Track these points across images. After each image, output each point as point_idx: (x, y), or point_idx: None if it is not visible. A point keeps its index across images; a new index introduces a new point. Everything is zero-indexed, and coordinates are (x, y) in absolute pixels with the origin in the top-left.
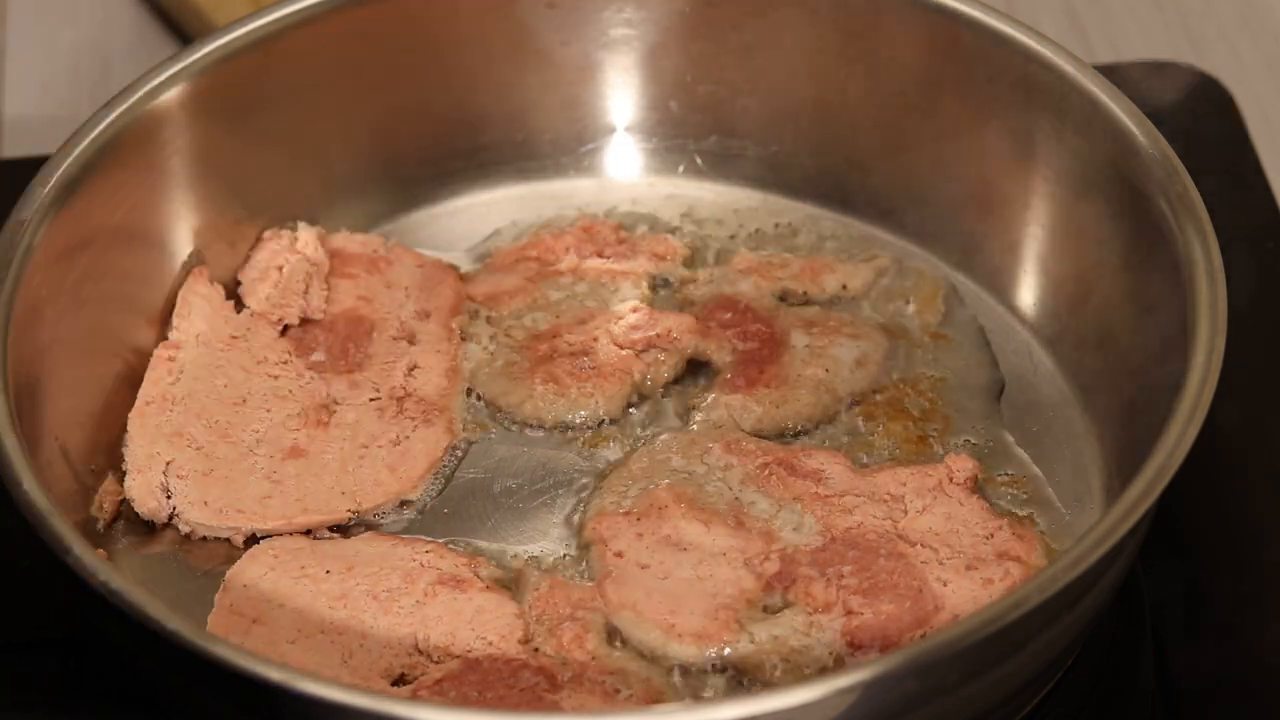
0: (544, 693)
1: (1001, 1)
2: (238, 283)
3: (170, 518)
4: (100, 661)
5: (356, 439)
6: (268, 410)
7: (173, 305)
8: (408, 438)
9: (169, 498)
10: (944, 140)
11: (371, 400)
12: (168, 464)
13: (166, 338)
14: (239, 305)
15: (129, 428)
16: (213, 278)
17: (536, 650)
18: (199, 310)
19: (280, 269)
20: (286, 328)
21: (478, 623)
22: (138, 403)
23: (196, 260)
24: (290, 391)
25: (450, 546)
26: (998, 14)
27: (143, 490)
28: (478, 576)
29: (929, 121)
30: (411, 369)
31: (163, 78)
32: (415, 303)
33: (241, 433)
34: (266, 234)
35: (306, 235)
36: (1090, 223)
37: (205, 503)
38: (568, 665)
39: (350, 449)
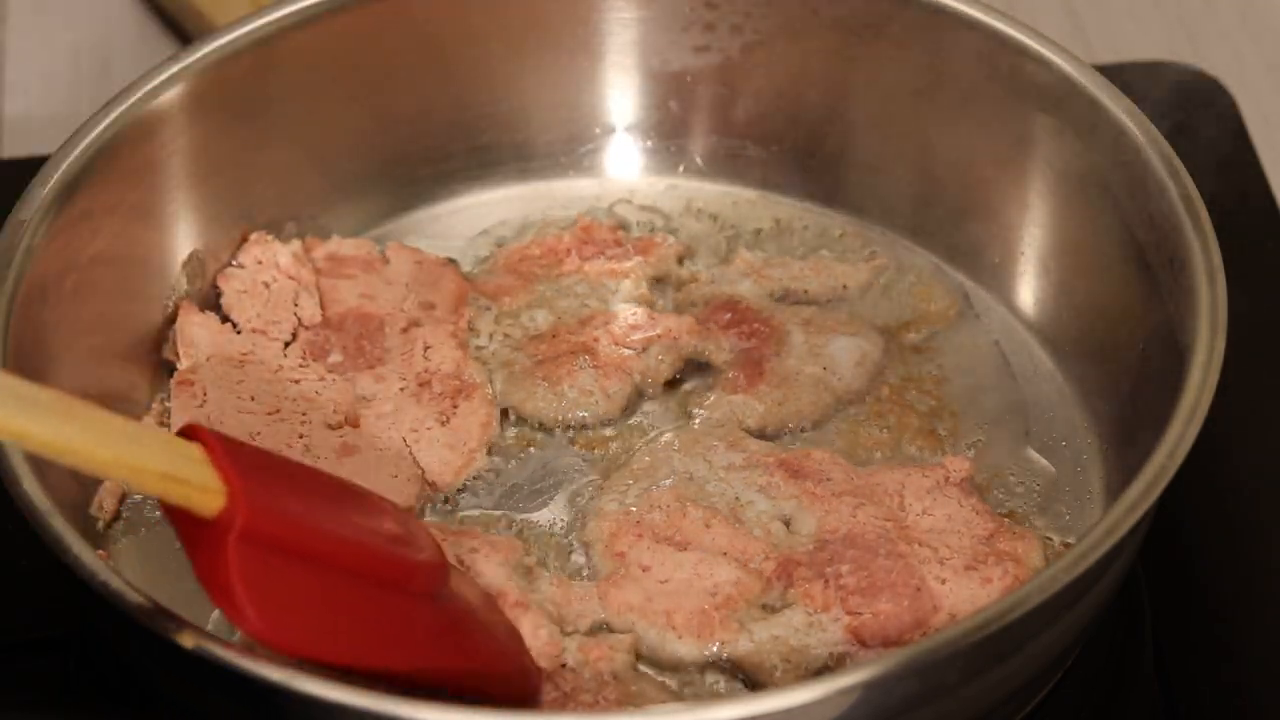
0: (560, 709)
1: (1002, 1)
2: (216, 289)
3: None
4: (100, 661)
5: (403, 425)
6: (303, 415)
7: (173, 308)
8: (455, 411)
9: None
10: (943, 140)
11: (401, 389)
12: None
13: (169, 358)
14: (224, 316)
15: None
16: (202, 304)
17: (564, 665)
18: (200, 338)
19: (267, 286)
20: (294, 335)
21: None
22: (173, 431)
23: (196, 261)
24: (317, 393)
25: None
26: (998, 14)
27: None
28: (508, 585)
29: (929, 121)
30: (426, 350)
31: (163, 78)
32: (418, 295)
33: (288, 441)
34: (253, 237)
35: (286, 255)
36: (1090, 223)
37: None
38: (590, 678)
39: (400, 436)
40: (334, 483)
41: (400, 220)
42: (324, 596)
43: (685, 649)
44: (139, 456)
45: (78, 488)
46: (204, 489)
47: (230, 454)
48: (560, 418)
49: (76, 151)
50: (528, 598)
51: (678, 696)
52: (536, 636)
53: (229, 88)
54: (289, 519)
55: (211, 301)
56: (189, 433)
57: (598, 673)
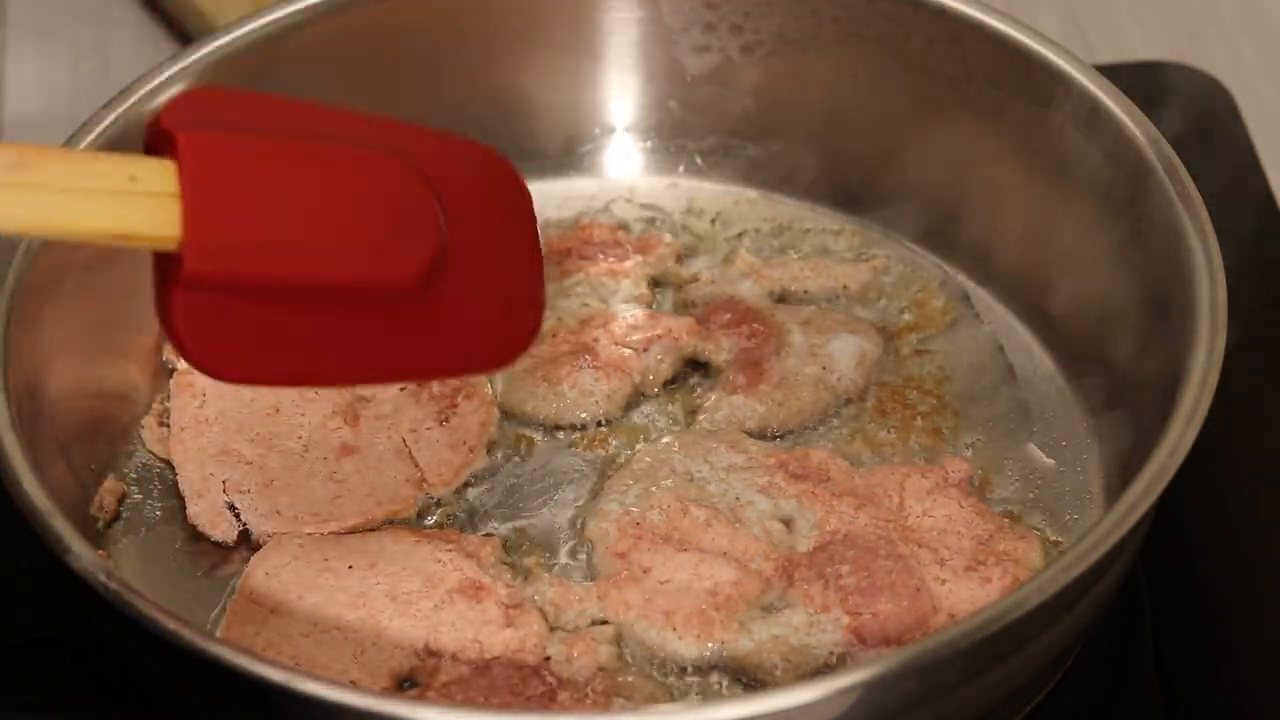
0: (549, 703)
1: (1002, 1)
2: None
3: (240, 536)
4: (100, 661)
5: (403, 425)
6: (303, 415)
7: None
8: (454, 411)
9: (236, 516)
10: (943, 140)
11: (401, 389)
12: (224, 483)
13: (169, 358)
14: None
15: (174, 458)
16: None
17: (548, 659)
18: None
19: None
20: None
21: (487, 632)
22: (173, 431)
23: None
24: (317, 393)
25: (471, 535)
26: (998, 14)
27: (208, 514)
28: (496, 583)
29: (928, 121)
30: None
31: (163, 78)
32: None
33: (286, 440)
34: None
35: None
36: (1090, 222)
37: (277, 513)
38: (576, 672)
39: (400, 436)
40: (323, 157)
41: None
42: (288, 327)
43: (685, 649)
44: (83, 219)
45: (78, 488)
46: (156, 237)
47: (200, 173)
48: (560, 418)
49: None
50: (519, 596)
51: (665, 685)
52: (517, 630)
53: (229, 88)
54: (250, 260)
55: None
56: (165, 131)
57: (583, 666)
